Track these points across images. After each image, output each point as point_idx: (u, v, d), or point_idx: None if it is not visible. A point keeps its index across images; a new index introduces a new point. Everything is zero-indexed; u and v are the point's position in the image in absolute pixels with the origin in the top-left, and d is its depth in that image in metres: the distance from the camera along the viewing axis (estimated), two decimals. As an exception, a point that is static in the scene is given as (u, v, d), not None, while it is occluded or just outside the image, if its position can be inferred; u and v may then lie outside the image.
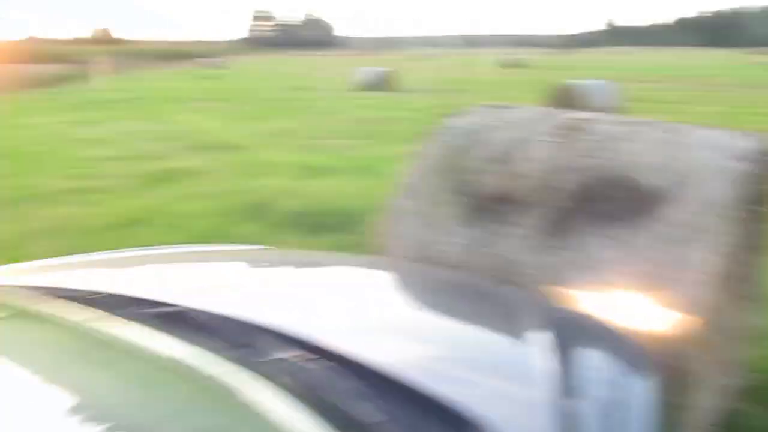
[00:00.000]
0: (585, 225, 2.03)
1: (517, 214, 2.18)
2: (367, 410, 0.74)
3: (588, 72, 36.77)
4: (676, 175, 1.98)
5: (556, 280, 1.95)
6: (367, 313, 1.18)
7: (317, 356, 0.84)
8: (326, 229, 5.17)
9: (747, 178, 1.96)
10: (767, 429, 2.39)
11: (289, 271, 1.59)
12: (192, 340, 0.89)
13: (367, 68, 24.95)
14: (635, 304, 1.83)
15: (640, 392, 1.01)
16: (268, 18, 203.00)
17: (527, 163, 2.27)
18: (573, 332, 1.22)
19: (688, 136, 2.11)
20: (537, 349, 1.02)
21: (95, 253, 1.62)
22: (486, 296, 1.47)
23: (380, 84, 23.27)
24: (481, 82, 29.23)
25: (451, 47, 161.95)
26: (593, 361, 1.13)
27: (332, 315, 1.12)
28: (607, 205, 2.03)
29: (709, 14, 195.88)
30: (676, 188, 1.95)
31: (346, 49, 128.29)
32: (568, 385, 0.92)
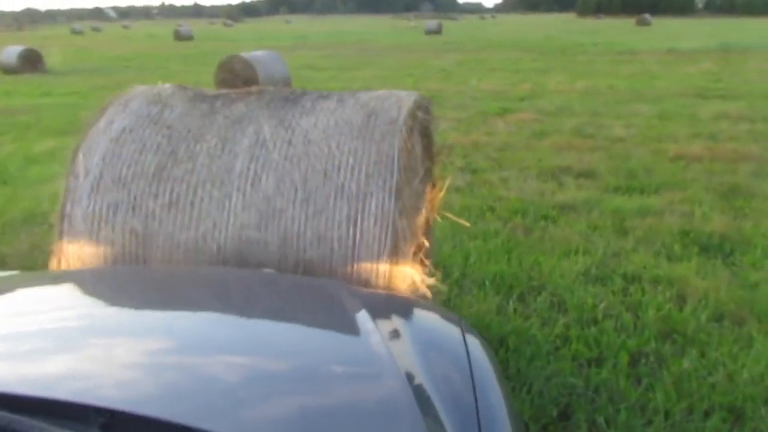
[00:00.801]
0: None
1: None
2: None
3: (257, 42, 37.55)
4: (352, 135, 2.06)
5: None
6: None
7: None
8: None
9: (414, 130, 2.15)
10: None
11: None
12: None
13: (10, 47, 21.45)
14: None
15: (468, 350, 1.19)
16: None
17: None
18: (391, 311, 1.35)
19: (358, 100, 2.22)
20: (371, 335, 1.11)
21: None
22: (293, 292, 1.47)
23: (22, 65, 20.27)
24: (144, 56, 27.58)
25: (114, 20, 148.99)
26: (418, 331, 1.26)
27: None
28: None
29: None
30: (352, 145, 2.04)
31: None
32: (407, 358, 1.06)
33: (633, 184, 5.65)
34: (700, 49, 23.48)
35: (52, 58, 28.29)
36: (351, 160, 1.98)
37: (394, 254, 1.89)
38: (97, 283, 1.53)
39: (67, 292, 1.44)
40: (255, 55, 13.24)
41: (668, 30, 42.98)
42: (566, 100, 11.15)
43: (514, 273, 3.64)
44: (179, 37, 43.89)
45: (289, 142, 2.07)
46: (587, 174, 6.04)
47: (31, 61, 21.60)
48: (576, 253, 3.96)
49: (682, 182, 5.71)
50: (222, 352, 1.10)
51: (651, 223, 4.57)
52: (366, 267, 1.88)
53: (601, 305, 3.23)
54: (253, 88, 2.37)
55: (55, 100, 13.74)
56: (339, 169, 1.98)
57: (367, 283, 1.87)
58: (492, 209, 4.89)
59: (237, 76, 12.90)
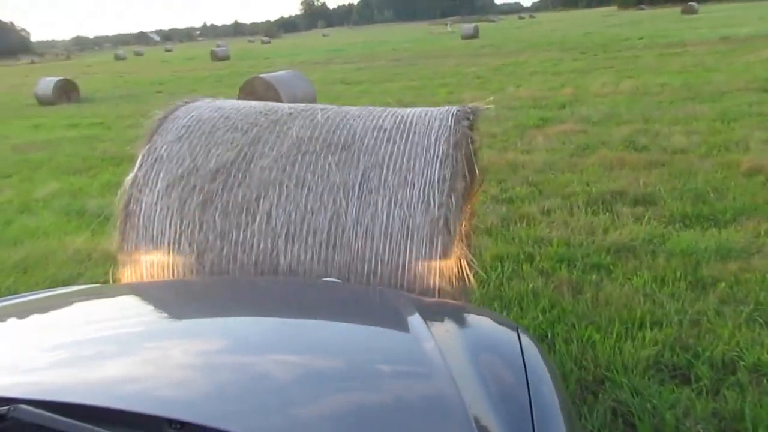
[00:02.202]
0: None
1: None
2: None
3: (291, 59, 37.37)
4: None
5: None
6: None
7: None
8: None
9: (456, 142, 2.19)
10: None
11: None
12: None
13: (46, 78, 21.60)
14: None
15: (523, 352, 1.20)
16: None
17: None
18: (446, 316, 1.41)
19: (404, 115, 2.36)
20: (423, 338, 1.15)
21: None
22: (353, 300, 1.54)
23: (59, 96, 20.36)
24: (179, 79, 27.53)
25: (158, 43, 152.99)
26: (472, 335, 1.32)
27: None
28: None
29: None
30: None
31: (46, 55, 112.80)
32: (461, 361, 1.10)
33: (703, 211, 4.66)
34: (757, 35, 21.75)
35: (95, 85, 28.85)
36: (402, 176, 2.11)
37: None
38: (161, 293, 1.61)
39: (145, 303, 1.52)
40: (276, 75, 12.61)
41: (718, 16, 40.75)
42: (612, 105, 10.10)
43: (559, 361, 2.76)
44: (216, 57, 44.09)
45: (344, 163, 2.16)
46: (646, 200, 5.07)
47: (66, 92, 21.73)
48: (642, 325, 3.03)
49: (764, 206, 4.69)
50: (279, 353, 1.15)
51: (735, 269, 3.60)
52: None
53: (697, 428, 2.29)
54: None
55: (79, 132, 13.41)
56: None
57: (417, 279, 1.98)
58: (531, 258, 3.99)
59: (259, 98, 12.28)
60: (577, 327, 3.06)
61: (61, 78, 22.26)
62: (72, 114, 17.36)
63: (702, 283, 3.49)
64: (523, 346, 1.22)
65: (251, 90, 12.33)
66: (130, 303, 1.51)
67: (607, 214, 4.81)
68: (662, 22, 39.28)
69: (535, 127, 8.65)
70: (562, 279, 3.64)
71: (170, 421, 0.85)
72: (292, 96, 12.19)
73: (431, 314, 1.33)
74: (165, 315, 1.42)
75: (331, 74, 24.24)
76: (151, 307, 1.47)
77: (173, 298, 1.55)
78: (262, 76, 12.54)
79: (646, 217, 4.62)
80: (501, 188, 5.84)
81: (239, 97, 12.79)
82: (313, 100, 12.51)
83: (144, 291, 1.66)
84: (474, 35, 41.37)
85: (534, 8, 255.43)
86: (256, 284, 1.76)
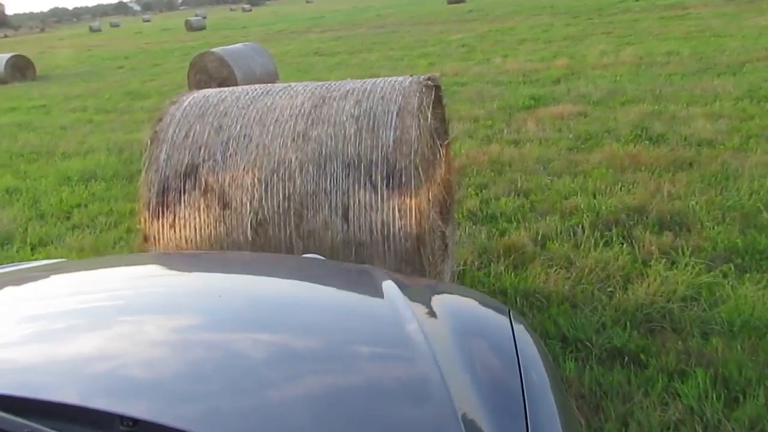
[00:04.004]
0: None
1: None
2: None
3: (268, 27, 35.55)
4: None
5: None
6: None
7: None
8: None
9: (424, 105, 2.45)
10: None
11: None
12: None
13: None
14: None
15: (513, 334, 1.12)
16: None
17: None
18: (432, 297, 1.34)
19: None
20: (406, 319, 1.08)
21: None
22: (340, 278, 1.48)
23: (11, 74, 18.90)
24: (146, 53, 25.81)
25: (138, 13, 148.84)
26: (460, 317, 1.20)
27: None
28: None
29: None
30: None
31: (21, 29, 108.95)
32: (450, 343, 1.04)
33: (760, 243, 3.33)
34: (762, -5, 20.23)
35: (57, 60, 27.10)
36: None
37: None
38: (140, 266, 1.56)
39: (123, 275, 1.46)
40: (230, 49, 11.09)
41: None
42: (614, 79, 8.70)
43: None
44: (190, 27, 42.04)
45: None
46: (675, 221, 3.74)
47: (19, 69, 20.17)
48: None
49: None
50: (256, 331, 1.10)
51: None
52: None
53: None
54: None
55: (14, 117, 11.90)
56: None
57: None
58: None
59: (211, 77, 10.80)
60: None
61: (12, 54, 20.68)
62: (18, 95, 15.82)
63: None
64: (515, 331, 1.14)
65: (202, 67, 10.83)
66: (95, 278, 1.41)
67: (625, 245, 3.47)
68: (657, -17, 37.47)
69: (525, 109, 7.25)
70: (570, 382, 2.32)
71: (122, 418, 0.80)
72: (250, 73, 10.71)
73: (416, 295, 1.28)
74: (134, 290, 1.32)
75: (307, 44, 22.62)
76: (118, 282, 1.38)
77: (144, 273, 1.47)
78: (214, 50, 11.03)
79: (681, 253, 3.29)
80: (482, 198, 4.49)
81: (189, 75, 11.30)
82: (274, 77, 11.02)
83: (113, 264, 1.62)
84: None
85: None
86: (235, 260, 1.71)
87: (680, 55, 10.18)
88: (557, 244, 3.55)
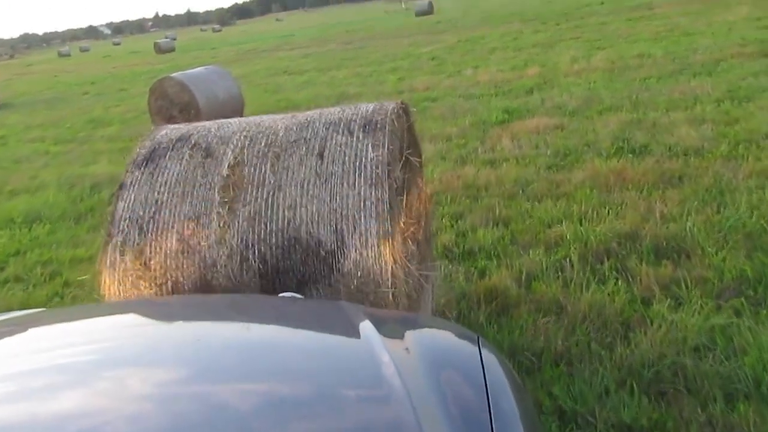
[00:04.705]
0: None
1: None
2: None
3: (238, 47, 35.10)
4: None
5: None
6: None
7: None
8: None
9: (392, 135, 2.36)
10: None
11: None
12: None
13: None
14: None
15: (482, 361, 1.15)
16: None
17: None
18: (405, 331, 1.34)
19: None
20: (381, 357, 1.09)
21: None
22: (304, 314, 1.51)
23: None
24: (113, 77, 25.17)
25: (109, 37, 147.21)
26: (431, 350, 1.23)
27: None
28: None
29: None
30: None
31: None
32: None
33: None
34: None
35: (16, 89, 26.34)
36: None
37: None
38: (114, 315, 1.55)
39: (96, 326, 1.45)
40: (191, 74, 10.58)
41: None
42: (589, 86, 8.39)
43: None
44: (159, 50, 41.40)
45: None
46: (672, 248, 3.35)
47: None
48: None
49: None
50: (234, 380, 1.10)
51: None
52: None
53: None
54: None
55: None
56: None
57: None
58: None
59: (172, 102, 10.31)
60: None
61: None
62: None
63: None
64: (483, 361, 1.16)
65: (162, 93, 10.32)
66: (73, 329, 1.40)
67: (620, 281, 3.07)
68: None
69: (499, 124, 6.88)
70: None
71: None
72: (212, 97, 10.23)
73: (390, 331, 1.30)
74: (113, 341, 1.30)
75: (277, 62, 22.20)
76: (97, 334, 1.36)
77: (122, 322, 1.46)
78: (173, 75, 10.51)
79: (684, 287, 2.90)
80: (457, 230, 4.08)
81: (149, 101, 10.79)
82: (238, 100, 10.56)
83: (89, 314, 1.59)
84: (428, 11, 39.35)
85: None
86: (212, 302, 1.72)
87: (653, 56, 9.92)
88: (544, 285, 3.15)
